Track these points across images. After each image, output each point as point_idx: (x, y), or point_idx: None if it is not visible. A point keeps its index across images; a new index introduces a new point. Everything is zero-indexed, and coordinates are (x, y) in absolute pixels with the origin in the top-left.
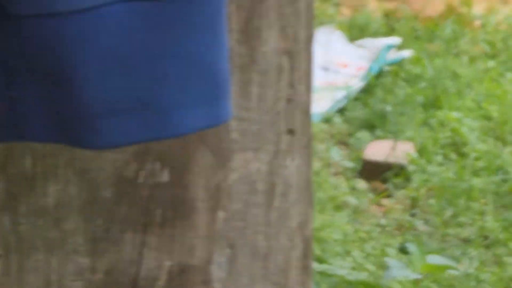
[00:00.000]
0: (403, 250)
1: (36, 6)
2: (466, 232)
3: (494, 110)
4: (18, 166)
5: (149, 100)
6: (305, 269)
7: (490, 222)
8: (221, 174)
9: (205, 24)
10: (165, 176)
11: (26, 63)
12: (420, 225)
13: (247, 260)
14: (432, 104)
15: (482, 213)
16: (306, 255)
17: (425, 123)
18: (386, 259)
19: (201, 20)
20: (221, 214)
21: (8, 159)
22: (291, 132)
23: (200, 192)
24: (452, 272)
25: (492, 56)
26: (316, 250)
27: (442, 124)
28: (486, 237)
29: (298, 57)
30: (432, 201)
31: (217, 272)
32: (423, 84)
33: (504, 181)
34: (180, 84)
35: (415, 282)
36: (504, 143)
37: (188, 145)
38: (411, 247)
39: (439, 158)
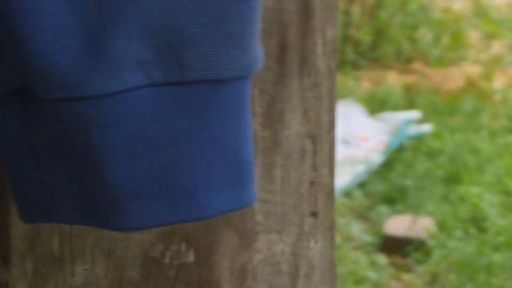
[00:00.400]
0: None
1: (65, 90)
2: None
3: None
4: (46, 246)
5: (175, 184)
6: None
7: None
8: (246, 255)
9: (230, 108)
10: (190, 257)
11: (54, 146)
12: None
13: None
14: (452, 179)
15: None
16: None
17: (445, 198)
18: None
19: (227, 105)
20: None
21: (36, 239)
22: (314, 214)
23: (225, 273)
24: None
25: None
26: None
27: (462, 199)
28: None
29: (320, 141)
30: (452, 276)
31: None
32: (443, 159)
33: None
34: (205, 168)
35: None
36: None
37: (213, 227)
38: None
39: (459, 233)
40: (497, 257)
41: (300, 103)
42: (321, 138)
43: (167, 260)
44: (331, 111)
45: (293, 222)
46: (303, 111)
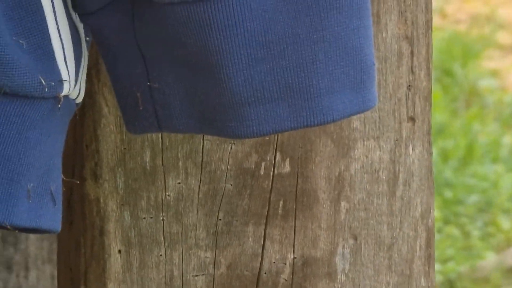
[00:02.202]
0: None
1: None
2: None
3: None
4: (137, 160)
5: (298, 87)
6: (429, 259)
7: None
8: (343, 164)
9: (352, 7)
10: (286, 167)
11: (168, 52)
12: None
13: (371, 251)
14: None
15: None
16: (429, 244)
17: None
18: None
19: (348, 3)
20: (343, 205)
21: (127, 154)
22: (412, 119)
23: (322, 183)
24: None
25: None
26: None
27: None
28: None
29: (417, 42)
30: None
31: (342, 263)
32: None
33: None
34: (328, 69)
35: None
36: None
37: (309, 135)
38: None
39: None
40: None
41: (396, 3)
42: (418, 40)
43: (262, 171)
44: (428, 11)
45: (391, 127)
46: (400, 12)
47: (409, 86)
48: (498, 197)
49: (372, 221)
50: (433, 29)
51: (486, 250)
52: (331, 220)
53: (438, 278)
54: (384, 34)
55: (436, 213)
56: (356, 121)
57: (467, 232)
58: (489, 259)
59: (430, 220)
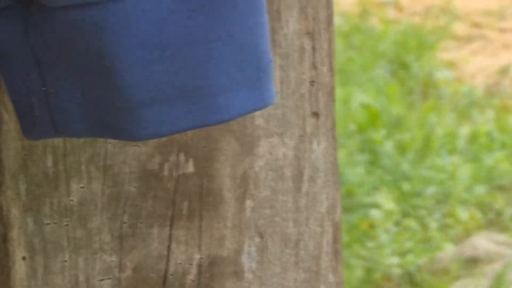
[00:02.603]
0: None
1: None
2: None
3: None
4: (39, 166)
5: (193, 86)
6: (336, 254)
7: None
8: (247, 162)
9: (246, 5)
10: (190, 167)
11: (62, 56)
12: None
13: (278, 248)
14: None
15: None
16: (336, 239)
17: None
18: None
19: (243, 1)
20: (249, 203)
21: (28, 159)
22: (315, 115)
23: (226, 181)
24: None
25: None
26: None
27: None
28: None
29: (319, 38)
30: None
31: (248, 262)
32: None
33: (341, 183)
34: (224, 68)
35: None
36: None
37: (212, 134)
38: None
39: None
40: None
41: (297, 0)
42: (320, 35)
43: (166, 172)
44: (329, 6)
45: (294, 124)
46: (300, 8)
47: (312, 81)
48: (456, 188)
49: (277, 218)
50: (389, 22)
51: (445, 242)
52: (236, 219)
53: (396, 271)
54: (285, 30)
55: (394, 207)
56: (259, 118)
57: (426, 224)
58: (448, 251)
59: (336, 216)
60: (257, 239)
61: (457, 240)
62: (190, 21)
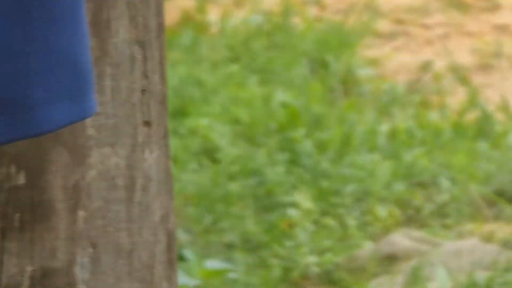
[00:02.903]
0: (180, 257)
1: None
2: (229, 238)
3: (242, 114)
4: None
5: (13, 99)
6: (170, 263)
7: (251, 226)
8: (79, 173)
9: (65, 14)
10: (21, 179)
11: None
12: (181, 234)
13: (111, 259)
14: (180, 112)
15: (242, 217)
16: (170, 248)
17: (175, 132)
18: None
19: (61, 11)
20: (81, 214)
21: None
22: (147, 123)
23: (58, 193)
24: (232, 275)
25: (234, 60)
26: None
27: (192, 131)
28: (248, 241)
29: (150, 47)
30: (190, 209)
31: (81, 273)
32: (168, 94)
33: (261, 183)
34: (43, 80)
35: None
36: (256, 145)
37: (43, 145)
38: (188, 254)
39: (193, 165)
40: (234, 186)
41: (126, 8)
42: (151, 44)
43: None
44: (159, 14)
45: (126, 133)
46: (130, 17)
47: (143, 90)
48: (375, 186)
49: (110, 229)
50: (311, 21)
51: (364, 239)
52: (69, 230)
53: (315, 270)
54: (115, 40)
55: (312, 205)
56: (90, 129)
57: (344, 223)
58: (366, 248)
59: (170, 225)
60: (90, 250)
61: (376, 238)
62: (6, 33)
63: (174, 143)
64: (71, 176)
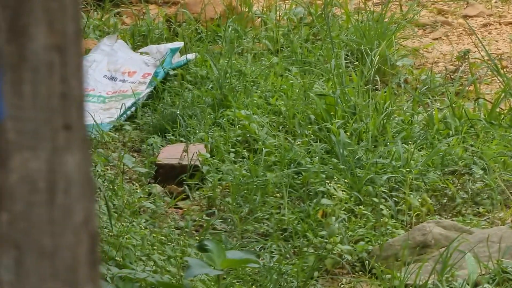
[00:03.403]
0: (202, 249)
1: None
2: (264, 227)
3: (281, 105)
4: None
5: None
6: (93, 264)
7: (287, 215)
8: (0, 176)
9: None
10: None
11: None
12: (218, 224)
13: (35, 260)
14: (221, 104)
15: (278, 207)
16: (93, 250)
17: (215, 123)
18: (186, 258)
19: None
20: (4, 216)
21: None
22: (67, 127)
23: None
24: (253, 266)
25: (275, 52)
26: (117, 257)
27: (232, 123)
28: (284, 230)
29: (68, 52)
30: (228, 199)
31: (5, 274)
32: (210, 85)
33: (297, 173)
34: None
35: (218, 278)
36: (294, 136)
37: None
38: (210, 245)
39: (232, 156)
40: (270, 177)
41: (44, 14)
42: (69, 49)
43: None
44: (76, 21)
45: (46, 137)
46: (48, 23)
47: (62, 94)
48: (409, 175)
49: (33, 231)
50: (352, 12)
51: (397, 228)
52: None
53: (348, 258)
54: (33, 45)
55: (347, 195)
56: (11, 133)
57: (378, 211)
58: (399, 237)
59: (92, 226)
60: (14, 252)
61: (409, 226)
62: None
63: (214, 134)
64: None
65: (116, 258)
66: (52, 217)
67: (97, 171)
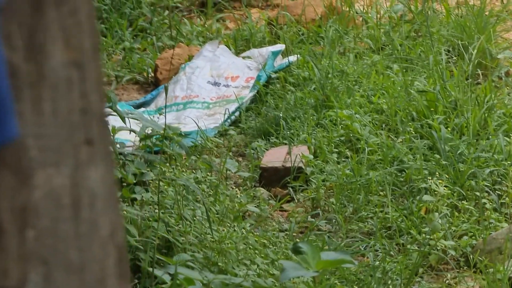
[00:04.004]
0: (296, 251)
1: None
2: (369, 226)
3: (383, 103)
4: None
5: None
6: (121, 276)
7: (391, 213)
8: (25, 194)
9: None
10: None
11: None
12: (323, 225)
13: (63, 275)
14: (323, 104)
15: (382, 205)
16: (121, 262)
17: (318, 124)
18: (281, 261)
19: None
20: (30, 233)
21: None
22: (89, 142)
23: (5, 214)
24: (348, 266)
25: (377, 50)
26: (219, 262)
27: (334, 123)
28: (388, 228)
29: (86, 67)
30: (332, 199)
31: None
32: (312, 86)
33: (400, 171)
34: None
35: (316, 279)
36: (396, 133)
37: None
38: (305, 247)
39: (335, 156)
40: (374, 175)
41: (60, 31)
42: (87, 65)
43: None
44: (93, 36)
45: (69, 153)
46: (64, 39)
47: (82, 110)
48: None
49: (60, 246)
50: (451, 7)
51: (500, 222)
52: (19, 250)
53: (452, 253)
54: (51, 62)
55: (449, 190)
56: (33, 150)
57: (481, 206)
58: (502, 230)
59: (119, 238)
60: (42, 268)
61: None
62: None
63: (317, 135)
64: (18, 197)
65: (219, 264)
66: (78, 231)
67: (197, 177)
